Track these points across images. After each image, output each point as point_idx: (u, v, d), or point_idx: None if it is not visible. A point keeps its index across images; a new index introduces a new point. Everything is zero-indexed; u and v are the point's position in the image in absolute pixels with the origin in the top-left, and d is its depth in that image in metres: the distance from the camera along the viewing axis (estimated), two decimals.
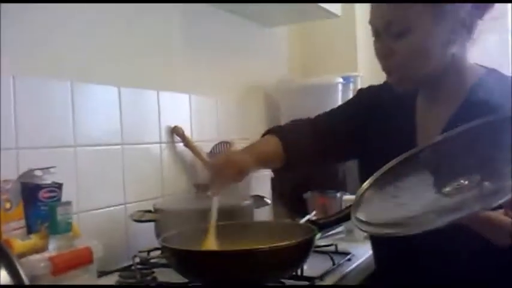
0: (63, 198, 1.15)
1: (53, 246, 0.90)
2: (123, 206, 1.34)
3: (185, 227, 1.08)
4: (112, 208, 1.30)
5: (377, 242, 1.10)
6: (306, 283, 1.02)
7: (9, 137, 1.05)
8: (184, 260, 0.91)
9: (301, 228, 1.05)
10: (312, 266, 1.08)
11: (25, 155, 1.07)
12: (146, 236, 1.27)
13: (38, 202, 0.95)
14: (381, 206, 0.76)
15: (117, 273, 1.11)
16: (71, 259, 0.88)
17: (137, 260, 1.13)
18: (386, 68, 0.95)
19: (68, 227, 0.93)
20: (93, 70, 1.28)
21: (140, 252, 1.13)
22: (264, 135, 1.16)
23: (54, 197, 0.99)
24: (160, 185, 1.46)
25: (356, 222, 0.74)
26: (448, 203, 0.67)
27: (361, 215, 0.75)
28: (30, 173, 0.95)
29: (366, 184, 0.81)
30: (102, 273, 1.11)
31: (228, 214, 1.22)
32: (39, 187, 0.95)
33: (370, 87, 1.13)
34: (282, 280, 0.99)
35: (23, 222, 0.93)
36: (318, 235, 1.42)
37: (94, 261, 0.93)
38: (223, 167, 1.00)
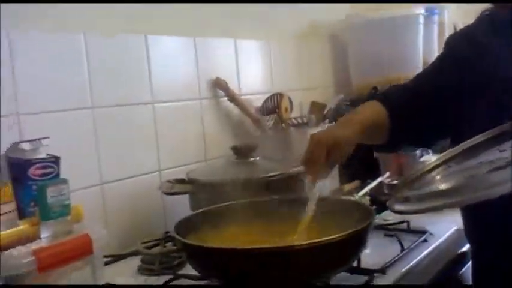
0: (81, 168, 1.00)
1: (46, 235, 0.75)
2: (157, 173, 1.17)
3: (214, 202, 0.91)
4: (144, 176, 1.14)
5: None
6: (365, 278, 0.80)
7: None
8: (198, 256, 0.71)
9: (357, 209, 0.82)
10: (375, 253, 0.88)
11: (33, 120, 0.92)
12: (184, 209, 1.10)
13: (29, 181, 0.79)
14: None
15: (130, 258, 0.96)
16: (61, 252, 0.72)
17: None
18: None
19: (65, 211, 0.76)
20: (113, 17, 1.08)
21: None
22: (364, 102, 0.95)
23: (51, 173, 0.82)
24: (202, 148, 1.27)
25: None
26: None
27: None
28: (16, 146, 0.79)
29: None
30: (117, 258, 0.97)
31: (271, 184, 1.01)
32: (28, 163, 0.79)
33: (458, 34, 0.94)
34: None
35: (13, 205, 0.78)
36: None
37: (96, 249, 0.77)
38: (320, 148, 0.79)
